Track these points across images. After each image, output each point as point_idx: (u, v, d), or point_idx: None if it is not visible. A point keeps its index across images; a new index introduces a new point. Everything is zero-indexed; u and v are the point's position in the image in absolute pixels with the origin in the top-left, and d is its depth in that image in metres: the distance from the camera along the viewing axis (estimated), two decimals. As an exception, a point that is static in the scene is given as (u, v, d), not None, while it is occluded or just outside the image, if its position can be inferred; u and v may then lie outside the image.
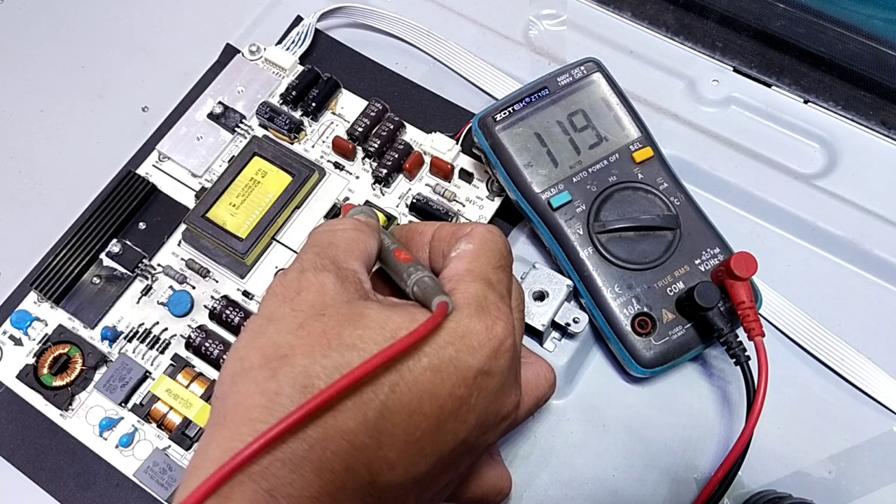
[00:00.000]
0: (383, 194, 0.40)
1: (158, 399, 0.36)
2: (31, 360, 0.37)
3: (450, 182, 0.40)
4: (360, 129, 0.41)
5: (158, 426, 0.36)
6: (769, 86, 0.44)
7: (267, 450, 0.21)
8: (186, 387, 0.36)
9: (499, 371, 0.25)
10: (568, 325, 0.35)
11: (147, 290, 0.39)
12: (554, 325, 0.36)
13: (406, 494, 0.24)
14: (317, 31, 0.45)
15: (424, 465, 0.24)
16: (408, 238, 0.30)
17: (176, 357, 0.37)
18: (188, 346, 0.37)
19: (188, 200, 0.41)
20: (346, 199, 0.40)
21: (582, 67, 0.39)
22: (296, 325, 0.23)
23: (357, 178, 0.41)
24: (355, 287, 0.25)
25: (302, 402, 0.21)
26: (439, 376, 0.23)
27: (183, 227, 0.40)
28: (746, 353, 0.34)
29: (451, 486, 0.27)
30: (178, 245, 0.40)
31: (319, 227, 0.28)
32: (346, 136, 0.41)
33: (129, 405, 0.36)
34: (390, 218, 0.39)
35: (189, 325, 0.38)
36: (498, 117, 0.38)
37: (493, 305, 0.25)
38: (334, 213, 0.40)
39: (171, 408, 0.36)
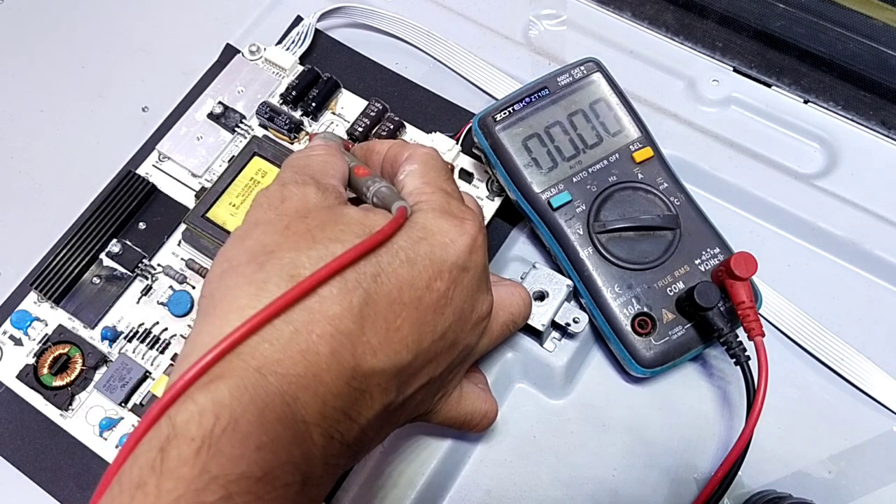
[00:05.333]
0: (383, 194, 0.40)
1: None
2: (31, 360, 0.37)
3: (450, 182, 0.40)
4: (360, 129, 0.41)
5: (158, 426, 0.36)
6: (769, 86, 0.44)
7: (256, 331, 0.22)
8: (186, 387, 0.36)
9: (474, 266, 0.27)
10: (568, 325, 0.35)
11: (147, 290, 0.39)
12: (554, 325, 0.36)
13: (388, 382, 0.25)
14: (317, 31, 0.45)
15: (406, 353, 0.25)
16: (366, 157, 0.32)
17: (176, 357, 0.37)
18: (188, 346, 0.37)
19: (188, 200, 0.41)
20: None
21: (582, 67, 0.39)
22: (282, 227, 0.25)
23: (357, 178, 0.41)
24: (335, 195, 0.27)
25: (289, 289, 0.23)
26: (416, 268, 0.25)
27: (183, 227, 0.40)
28: (746, 353, 0.34)
29: (432, 393, 0.28)
30: (178, 245, 0.40)
31: (293, 155, 0.30)
32: (346, 136, 0.41)
33: (129, 405, 0.36)
34: None
35: (189, 325, 0.38)
36: (498, 117, 0.38)
37: (457, 208, 0.28)
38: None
39: (171, 408, 0.36)
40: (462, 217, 0.27)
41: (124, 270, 0.39)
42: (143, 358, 0.37)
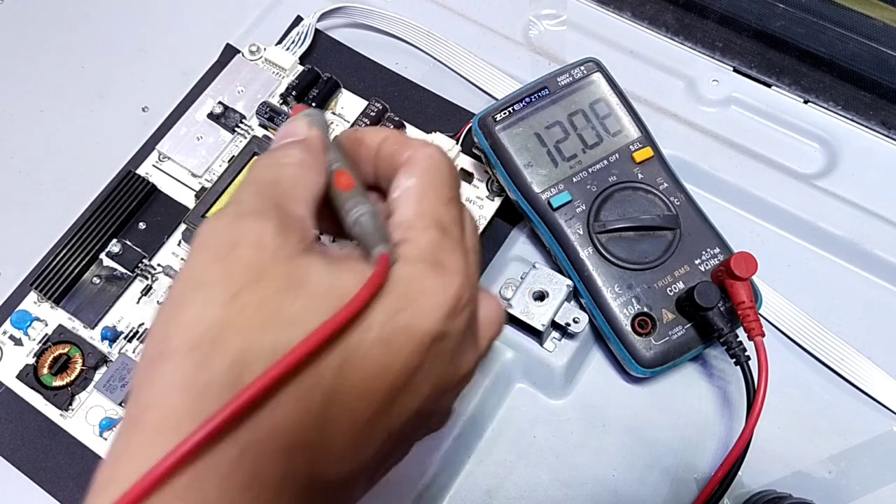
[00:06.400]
0: (383, 194, 0.40)
1: (158, 399, 0.36)
2: (31, 360, 0.37)
3: (450, 182, 0.40)
4: (360, 129, 0.41)
5: (158, 426, 0.36)
6: (769, 86, 0.44)
7: (189, 461, 0.18)
8: (186, 387, 0.36)
9: (455, 332, 0.22)
10: (568, 325, 0.35)
11: (147, 290, 0.39)
12: (554, 325, 0.36)
13: (354, 482, 0.21)
14: (317, 31, 0.45)
15: (373, 447, 0.21)
16: (353, 150, 0.26)
17: (176, 357, 0.37)
18: (188, 346, 0.37)
19: (188, 200, 0.41)
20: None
21: (582, 67, 0.39)
22: (228, 296, 0.20)
23: (357, 178, 0.41)
24: (299, 237, 0.21)
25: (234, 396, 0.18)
26: (392, 349, 0.20)
27: (183, 227, 0.40)
28: (746, 353, 0.34)
29: (405, 454, 0.25)
30: (178, 245, 0.40)
31: (261, 161, 0.24)
32: (346, 136, 0.41)
33: (129, 405, 0.36)
34: None
35: (189, 325, 0.38)
36: (498, 117, 0.38)
37: (449, 256, 0.22)
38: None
39: (171, 408, 0.36)
40: (452, 272, 0.22)
41: (124, 270, 0.39)
42: (143, 358, 0.37)
